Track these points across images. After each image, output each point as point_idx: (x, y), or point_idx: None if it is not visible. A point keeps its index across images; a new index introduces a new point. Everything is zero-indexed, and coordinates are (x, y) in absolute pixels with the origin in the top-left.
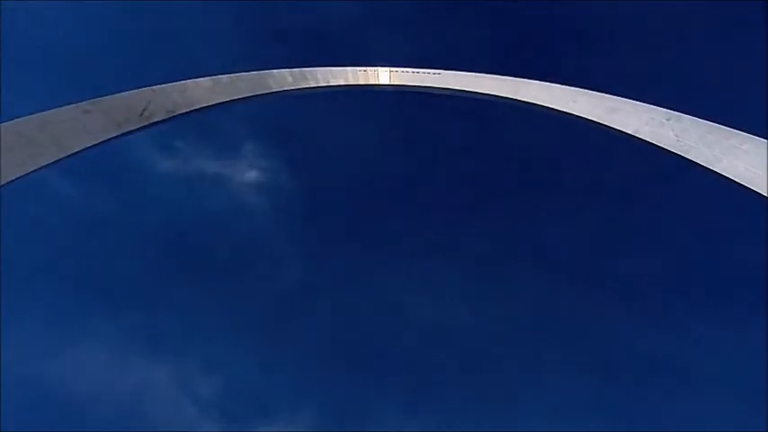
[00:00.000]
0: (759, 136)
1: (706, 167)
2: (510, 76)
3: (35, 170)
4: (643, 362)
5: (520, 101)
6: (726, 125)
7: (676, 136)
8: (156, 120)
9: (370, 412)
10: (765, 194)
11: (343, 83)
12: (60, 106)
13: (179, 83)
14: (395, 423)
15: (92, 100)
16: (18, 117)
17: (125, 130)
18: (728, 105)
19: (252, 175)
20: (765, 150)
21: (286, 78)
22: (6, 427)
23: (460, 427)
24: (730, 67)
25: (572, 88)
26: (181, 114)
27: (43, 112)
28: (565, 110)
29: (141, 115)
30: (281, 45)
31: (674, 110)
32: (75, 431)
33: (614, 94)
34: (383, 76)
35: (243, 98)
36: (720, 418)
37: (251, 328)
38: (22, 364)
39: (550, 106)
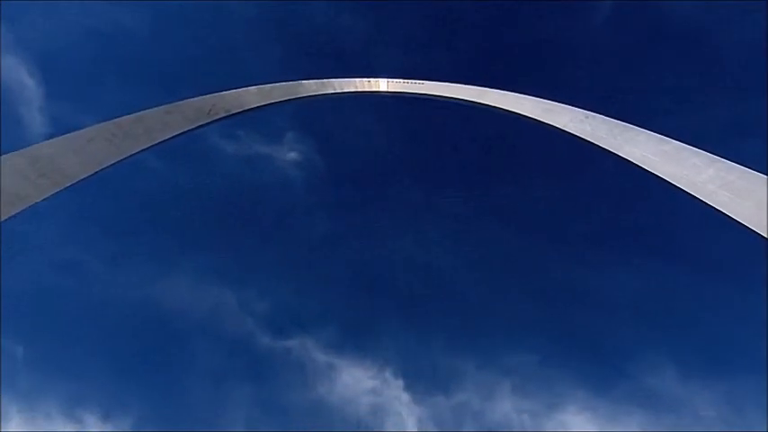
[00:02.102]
0: (650, 130)
1: (613, 152)
2: (478, 85)
3: (134, 154)
4: (576, 291)
5: (483, 104)
6: (627, 122)
7: (592, 129)
8: (218, 117)
9: (378, 325)
10: (653, 172)
11: (353, 90)
12: (150, 108)
13: (234, 90)
14: (395, 333)
15: (173, 104)
16: (120, 116)
17: (197, 125)
18: (629, 106)
19: (291, 155)
20: (654, 140)
21: (312, 87)
22: (121, 334)
23: (442, 337)
24: (633, 78)
25: (519, 95)
26: (236, 113)
27: (138, 113)
28: (514, 110)
29: (208, 114)
30: (309, 61)
31: (590, 110)
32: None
33: (549, 100)
34: (382, 84)
35: (281, 101)
36: (625, 330)
37: (290, 266)
38: (133, 289)
39: (504, 108)
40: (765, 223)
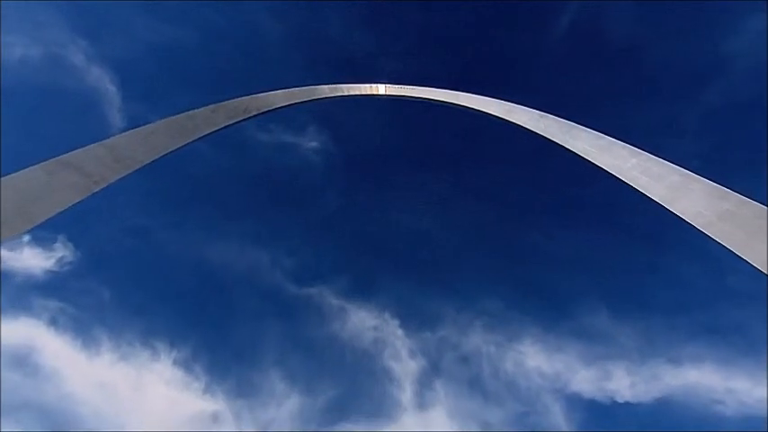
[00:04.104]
0: (590, 128)
1: (562, 145)
2: (455, 90)
3: (187, 144)
4: (533, 251)
5: (460, 105)
6: (573, 121)
7: (545, 127)
8: (252, 114)
9: (379, 279)
10: (592, 161)
11: (357, 93)
12: (198, 108)
13: (264, 93)
14: (393, 284)
15: (215, 104)
16: (176, 114)
17: (236, 121)
18: (575, 110)
19: (312, 144)
20: (592, 136)
21: (325, 90)
22: (181, 283)
23: (429, 287)
24: (580, 85)
25: (488, 98)
26: (267, 111)
27: (189, 111)
28: (484, 110)
29: (244, 112)
30: (324, 69)
31: (545, 111)
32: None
33: (513, 102)
34: (381, 89)
35: (302, 102)
36: (569, 281)
37: (311, 231)
38: (189, 249)
39: (476, 108)
40: (674, 201)
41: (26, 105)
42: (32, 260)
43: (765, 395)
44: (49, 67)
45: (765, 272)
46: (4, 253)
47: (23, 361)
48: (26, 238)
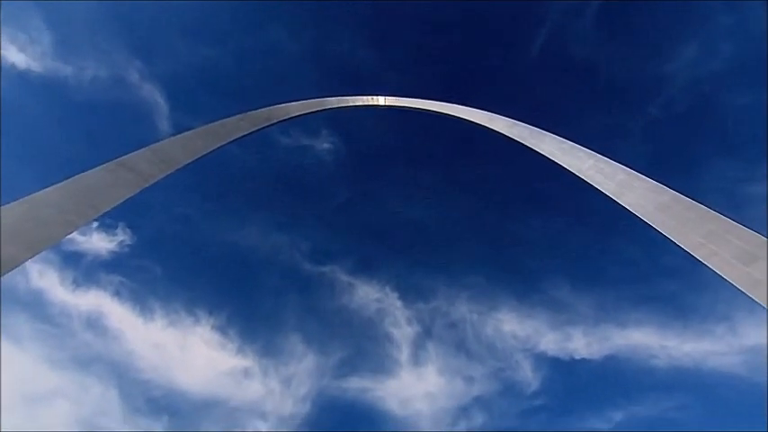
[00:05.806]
0: (554, 134)
1: (532, 148)
2: (444, 101)
3: (221, 147)
4: (510, 236)
5: (448, 113)
6: (540, 128)
7: (519, 132)
8: (274, 122)
9: (382, 261)
10: (557, 162)
11: (361, 104)
12: (228, 117)
13: (284, 104)
14: (393, 263)
15: (244, 113)
16: (209, 122)
17: (260, 127)
18: (543, 117)
19: (325, 145)
20: (556, 141)
21: (334, 101)
22: (216, 263)
23: (423, 265)
24: (549, 96)
25: (470, 108)
26: (286, 119)
27: (221, 120)
28: (467, 118)
29: (267, 120)
30: (335, 82)
31: (518, 119)
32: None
33: (491, 111)
34: (381, 100)
35: (315, 111)
36: (539, 261)
37: (324, 219)
38: (222, 234)
39: (460, 116)
40: (621, 195)
41: (95, 117)
42: (99, 243)
43: (690, 350)
44: (112, 85)
45: (693, 253)
46: (78, 237)
47: (94, 323)
48: (94, 225)
